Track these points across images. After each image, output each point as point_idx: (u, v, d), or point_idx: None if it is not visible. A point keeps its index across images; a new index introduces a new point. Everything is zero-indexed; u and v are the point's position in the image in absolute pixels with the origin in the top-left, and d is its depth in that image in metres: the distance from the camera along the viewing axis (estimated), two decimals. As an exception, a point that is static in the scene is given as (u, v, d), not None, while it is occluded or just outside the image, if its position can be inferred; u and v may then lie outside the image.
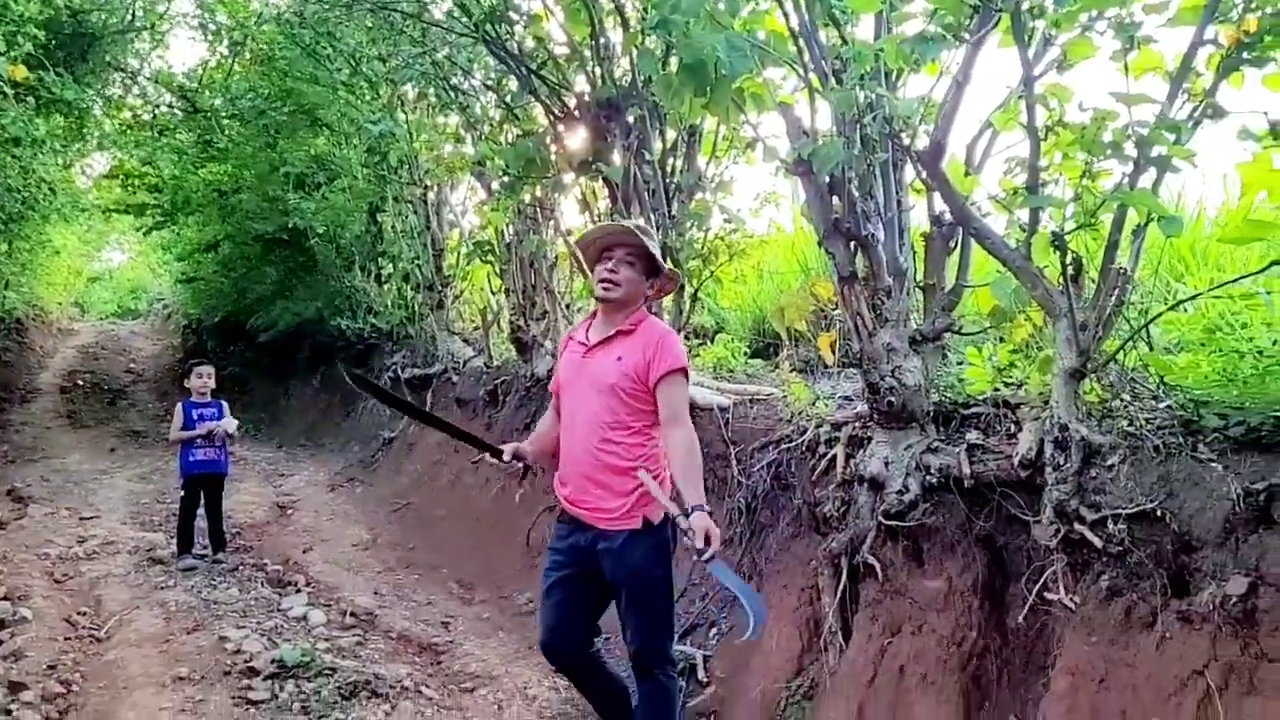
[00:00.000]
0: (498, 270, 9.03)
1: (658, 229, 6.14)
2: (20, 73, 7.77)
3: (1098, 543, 3.22)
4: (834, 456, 4.63)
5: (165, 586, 6.37)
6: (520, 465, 3.64)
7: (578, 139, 6.44)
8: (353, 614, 5.91)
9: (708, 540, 3.13)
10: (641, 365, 3.37)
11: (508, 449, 3.60)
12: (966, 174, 3.91)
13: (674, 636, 3.56)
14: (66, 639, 5.40)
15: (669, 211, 6.17)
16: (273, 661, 4.76)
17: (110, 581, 6.48)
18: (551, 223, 7.95)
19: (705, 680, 4.70)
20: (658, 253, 3.47)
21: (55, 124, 10.97)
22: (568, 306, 8.21)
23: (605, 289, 3.43)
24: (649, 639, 3.41)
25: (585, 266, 3.64)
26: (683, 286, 6.22)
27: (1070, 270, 3.35)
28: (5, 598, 5.82)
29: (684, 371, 3.41)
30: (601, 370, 3.41)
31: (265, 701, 4.41)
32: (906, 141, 3.84)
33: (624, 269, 3.43)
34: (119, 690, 4.62)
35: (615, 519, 3.37)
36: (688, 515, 3.19)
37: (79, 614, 5.81)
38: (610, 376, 3.38)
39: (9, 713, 4.35)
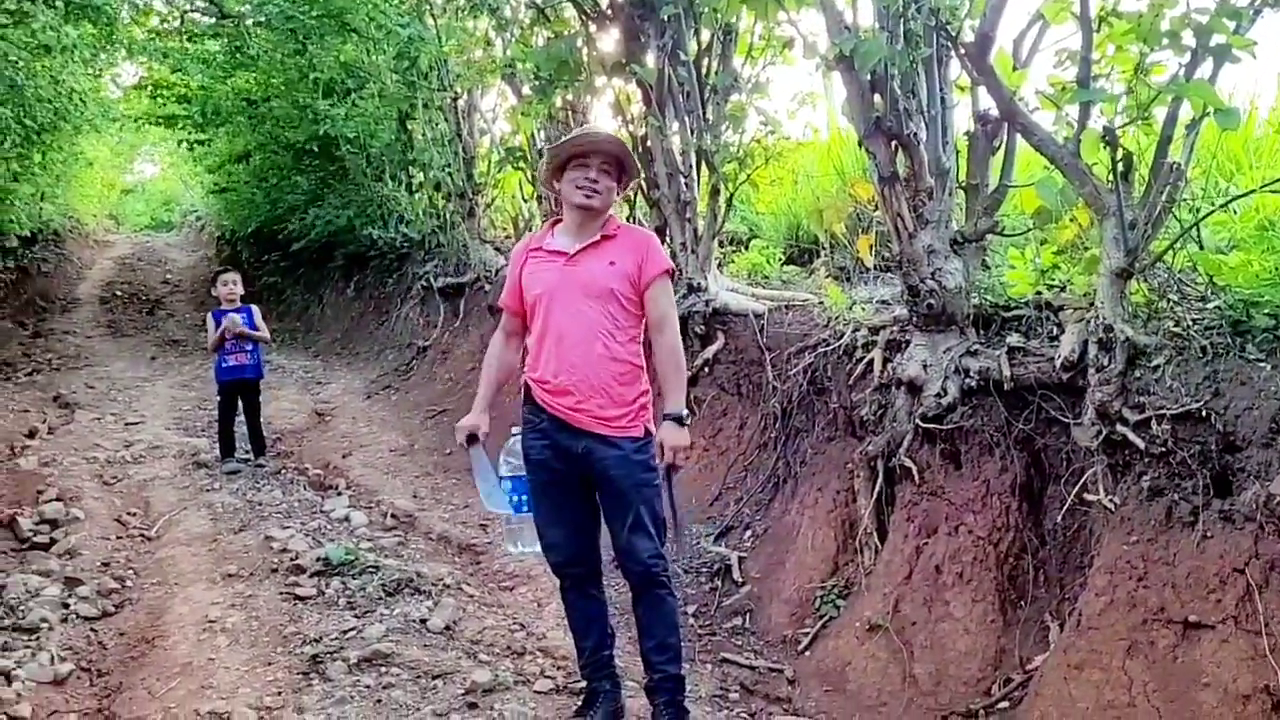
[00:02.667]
0: (529, 177, 8.95)
1: (692, 132, 6.05)
2: (47, -24, 7.68)
3: (1140, 443, 3.20)
4: (871, 360, 4.62)
5: (211, 489, 6.53)
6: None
7: (610, 40, 6.32)
8: (393, 516, 6.03)
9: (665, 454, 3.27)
10: (633, 269, 3.31)
11: (467, 432, 3.60)
12: (1014, 68, 3.80)
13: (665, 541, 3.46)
14: (118, 538, 5.58)
15: (704, 114, 6.07)
16: (318, 560, 4.88)
17: (158, 484, 6.65)
18: (584, 127, 7.83)
19: (740, 580, 4.78)
20: (629, 159, 3.39)
21: (84, 31, 10.87)
22: (601, 213, 8.13)
23: (587, 196, 3.31)
24: (656, 546, 3.31)
25: (549, 172, 3.49)
26: (717, 191, 6.14)
27: (1120, 167, 3.26)
28: (58, 499, 5.99)
29: (670, 274, 3.38)
30: (596, 277, 3.30)
31: (312, 597, 4.54)
32: (953, 35, 3.73)
33: (604, 177, 3.33)
34: (171, 585, 4.77)
35: (619, 427, 3.28)
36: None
37: (129, 514, 5.98)
38: (610, 281, 3.30)
39: (67, 605, 4.51)
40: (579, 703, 3.58)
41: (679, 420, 3.26)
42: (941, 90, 4.17)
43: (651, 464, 3.33)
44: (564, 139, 3.50)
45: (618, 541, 3.35)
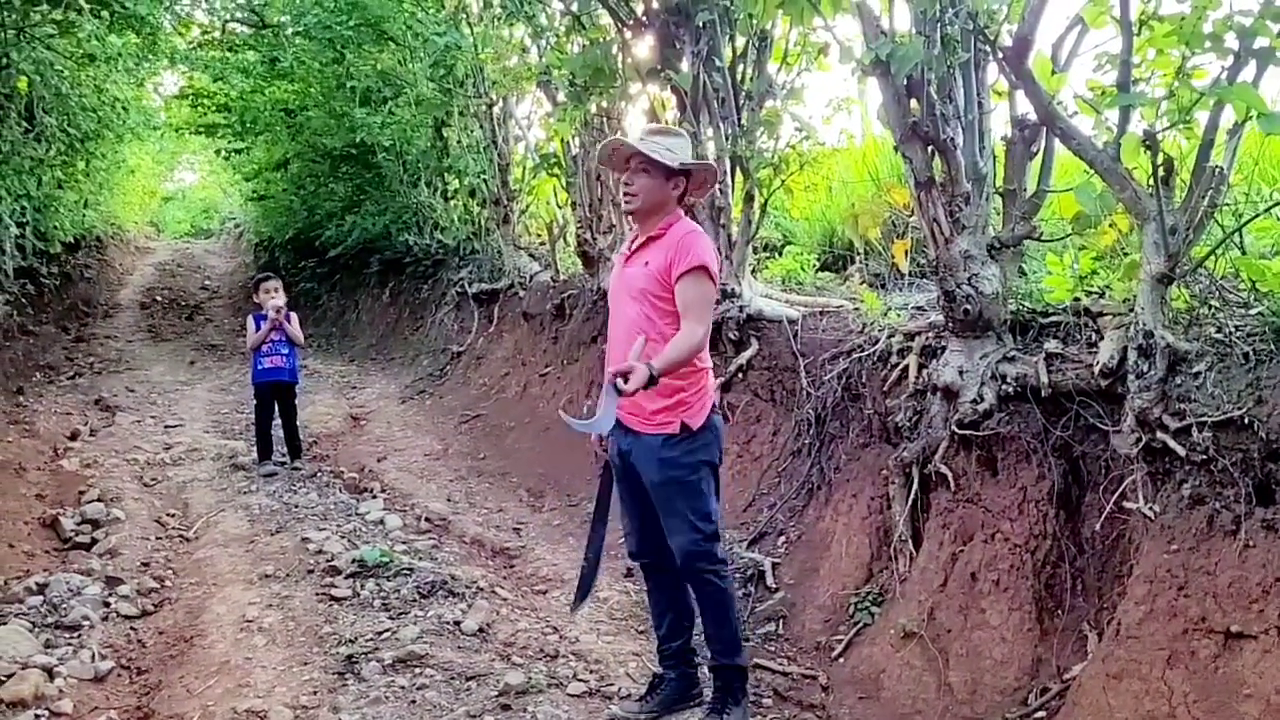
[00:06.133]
0: (564, 183, 9.00)
1: (727, 138, 6.04)
2: (95, -14, 7.83)
3: (1181, 451, 3.16)
4: (906, 366, 4.59)
5: (248, 491, 6.60)
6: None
7: (646, 47, 6.33)
8: (427, 519, 6.07)
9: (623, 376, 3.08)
10: (664, 267, 3.35)
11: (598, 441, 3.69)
12: (1053, 73, 3.76)
13: (719, 539, 3.47)
14: (158, 538, 5.66)
15: (739, 120, 6.07)
16: (353, 561, 4.92)
17: (196, 486, 6.74)
18: (618, 133, 7.86)
19: (774, 586, 4.76)
20: (664, 154, 3.37)
21: (128, 41, 11.06)
22: (634, 219, 8.15)
23: (626, 201, 3.50)
24: (689, 540, 3.36)
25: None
26: (751, 197, 6.13)
27: (1161, 172, 3.23)
28: (99, 499, 6.10)
29: (703, 270, 3.32)
30: (634, 277, 3.45)
31: (348, 598, 4.58)
32: (990, 39, 3.71)
33: (638, 178, 3.43)
34: (209, 586, 4.83)
35: (652, 424, 3.37)
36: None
37: (168, 515, 6.07)
38: (640, 282, 3.41)
39: (107, 604, 4.59)
40: (612, 706, 3.61)
41: (648, 368, 3.09)
42: (979, 95, 4.14)
43: (684, 460, 3.36)
44: (599, 152, 3.67)
45: (669, 540, 3.45)
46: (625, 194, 3.48)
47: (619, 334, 3.47)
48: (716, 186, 6.13)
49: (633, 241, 3.59)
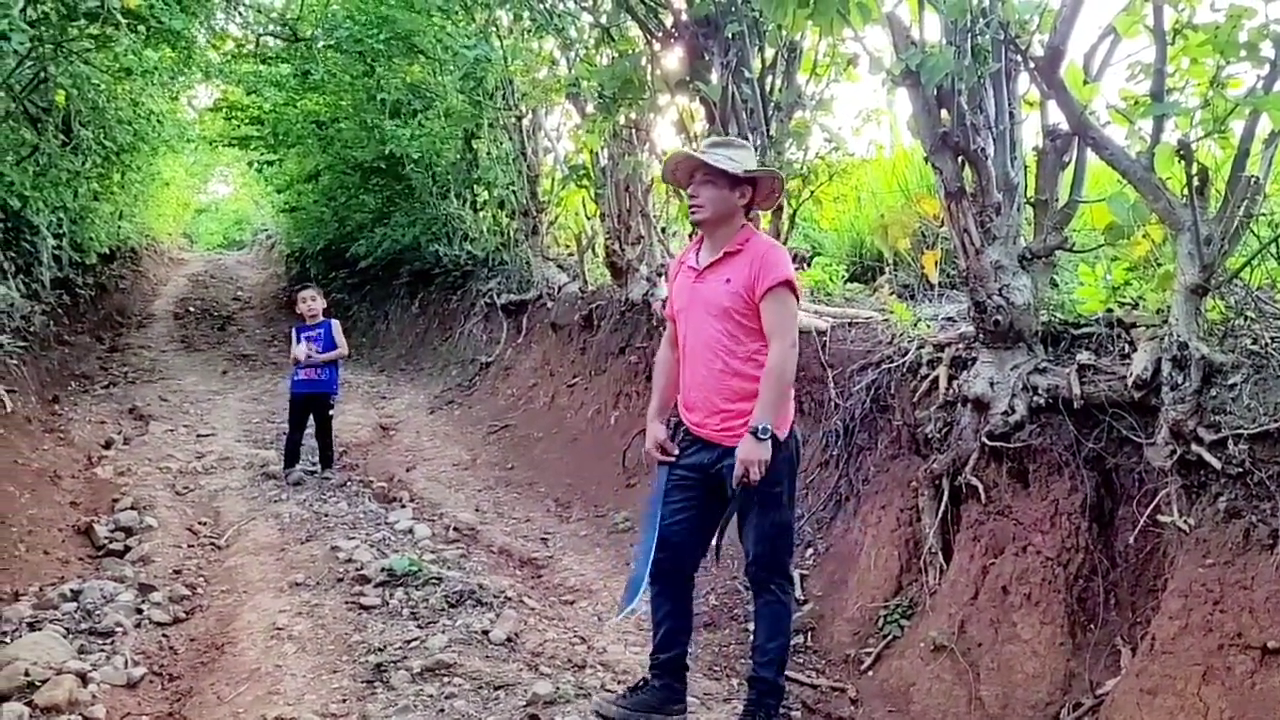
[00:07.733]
0: (593, 195, 9.02)
1: (756, 149, 6.04)
2: (133, 0, 7.91)
3: (1216, 464, 3.12)
4: (936, 378, 4.56)
5: (279, 500, 6.65)
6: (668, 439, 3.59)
7: (674, 58, 6.34)
8: (455, 529, 6.09)
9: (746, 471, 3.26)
10: (748, 283, 3.36)
11: (654, 447, 3.59)
12: (1085, 82, 3.74)
13: (793, 551, 3.55)
14: (189, 546, 5.71)
15: (768, 131, 6.06)
16: (382, 570, 4.95)
17: (228, 494, 6.80)
18: (647, 145, 7.88)
19: (802, 598, 4.74)
20: (728, 164, 3.38)
21: (164, 55, 11.21)
22: (663, 230, 8.17)
23: (693, 212, 3.49)
24: (771, 552, 3.43)
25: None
26: (780, 207, 6.12)
27: (1195, 182, 3.20)
28: (133, 507, 6.16)
29: (788, 285, 3.36)
30: (713, 294, 3.41)
31: (377, 607, 4.60)
32: (1022, 49, 3.69)
33: (704, 190, 3.43)
34: (240, 594, 4.87)
35: (740, 435, 3.35)
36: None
37: (200, 523, 6.12)
38: (723, 300, 3.39)
39: (140, 611, 4.64)
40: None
41: (754, 433, 3.26)
42: (1010, 105, 4.12)
43: (775, 470, 3.36)
44: (664, 166, 3.69)
45: (744, 544, 3.50)
46: (692, 205, 3.46)
47: (697, 352, 3.46)
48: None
49: (696, 250, 3.56)
